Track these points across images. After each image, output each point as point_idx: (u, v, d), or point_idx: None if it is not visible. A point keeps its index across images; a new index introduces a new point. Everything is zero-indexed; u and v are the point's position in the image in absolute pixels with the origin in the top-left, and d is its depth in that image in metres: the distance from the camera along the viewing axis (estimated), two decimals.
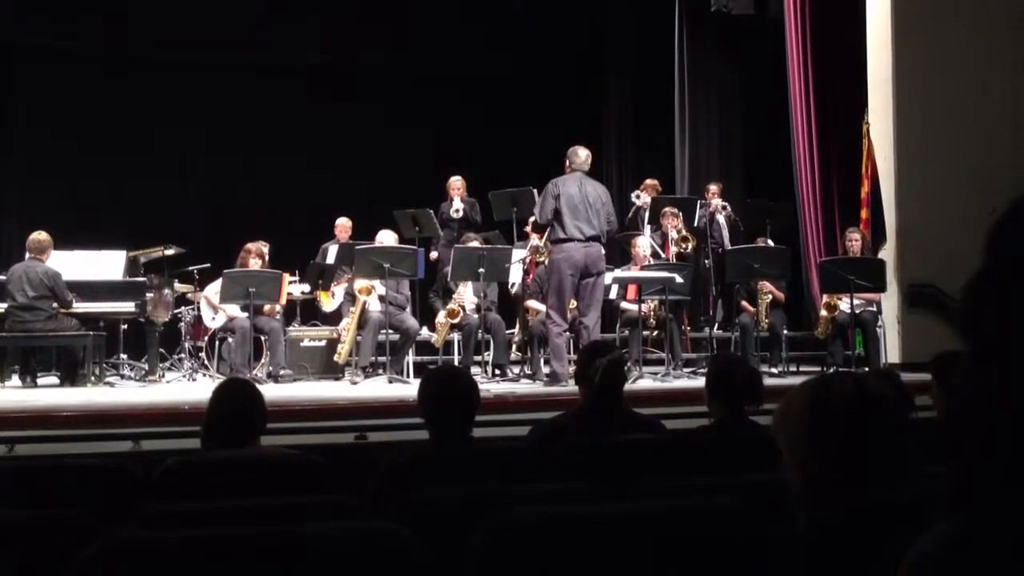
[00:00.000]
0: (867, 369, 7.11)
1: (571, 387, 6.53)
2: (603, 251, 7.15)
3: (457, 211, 9.01)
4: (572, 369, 5.79)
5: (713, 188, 9.62)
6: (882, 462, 1.60)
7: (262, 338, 7.97)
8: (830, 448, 1.60)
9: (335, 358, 8.00)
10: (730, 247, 8.91)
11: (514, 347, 8.35)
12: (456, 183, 9.02)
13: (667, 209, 8.93)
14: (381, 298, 7.66)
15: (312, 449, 3.72)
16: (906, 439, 1.64)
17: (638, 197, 9.51)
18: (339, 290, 8.61)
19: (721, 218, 9.43)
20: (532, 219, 8.28)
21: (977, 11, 8.06)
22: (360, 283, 7.64)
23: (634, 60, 11.85)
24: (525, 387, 7.06)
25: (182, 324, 8.41)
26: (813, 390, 1.67)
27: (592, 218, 6.91)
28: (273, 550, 1.58)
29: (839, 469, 1.60)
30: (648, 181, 9.81)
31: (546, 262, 8.04)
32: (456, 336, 8.18)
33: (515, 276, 8.00)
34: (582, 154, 7.13)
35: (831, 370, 7.68)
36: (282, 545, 1.58)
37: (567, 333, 7.26)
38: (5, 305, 7.22)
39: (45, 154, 10.43)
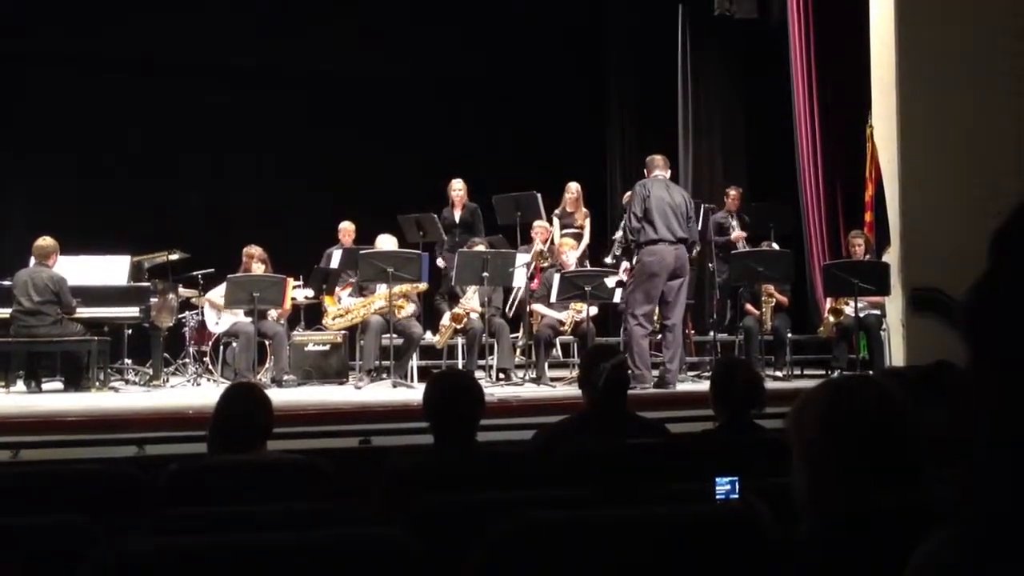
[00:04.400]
0: (873, 370, 7.10)
1: (571, 391, 6.54)
2: (688, 256, 7.23)
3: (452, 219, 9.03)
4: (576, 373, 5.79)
5: (733, 193, 9.61)
6: (896, 468, 1.60)
7: (266, 343, 7.98)
8: (843, 451, 1.60)
9: (327, 321, 8.05)
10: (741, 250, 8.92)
11: (518, 351, 8.35)
12: (456, 186, 9.01)
13: None
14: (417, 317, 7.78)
15: (316, 453, 3.73)
16: (920, 446, 1.64)
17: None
18: (344, 294, 8.61)
19: (736, 223, 9.42)
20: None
21: (981, 15, 8.04)
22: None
23: (637, 64, 11.84)
24: (529, 391, 7.05)
25: (186, 329, 8.42)
26: (830, 393, 1.66)
27: (681, 220, 7.01)
28: (277, 557, 1.58)
29: (853, 473, 1.59)
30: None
31: (559, 263, 8.07)
32: (460, 340, 8.18)
33: (519, 280, 8.00)
34: (659, 160, 7.30)
35: (836, 373, 7.67)
36: (286, 551, 1.58)
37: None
38: (10, 310, 7.23)
39: (50, 159, 10.45)
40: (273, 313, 8.04)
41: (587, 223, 9.03)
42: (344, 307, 8.07)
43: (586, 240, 8.92)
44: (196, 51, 10.70)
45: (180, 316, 8.33)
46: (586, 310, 7.59)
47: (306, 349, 8.24)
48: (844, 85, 8.75)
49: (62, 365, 7.87)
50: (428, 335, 8.30)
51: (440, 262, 8.86)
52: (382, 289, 7.67)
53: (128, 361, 8.21)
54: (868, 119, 8.35)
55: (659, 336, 7.37)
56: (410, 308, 7.74)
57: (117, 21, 10.33)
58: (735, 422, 3.25)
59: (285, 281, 7.89)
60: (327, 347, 8.20)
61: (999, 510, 0.85)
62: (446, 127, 11.24)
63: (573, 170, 9.74)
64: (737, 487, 2.05)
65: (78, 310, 7.38)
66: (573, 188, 9.03)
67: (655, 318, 7.24)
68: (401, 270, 7.34)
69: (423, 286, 7.79)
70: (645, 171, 7.32)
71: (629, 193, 7.55)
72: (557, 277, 7.73)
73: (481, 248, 7.93)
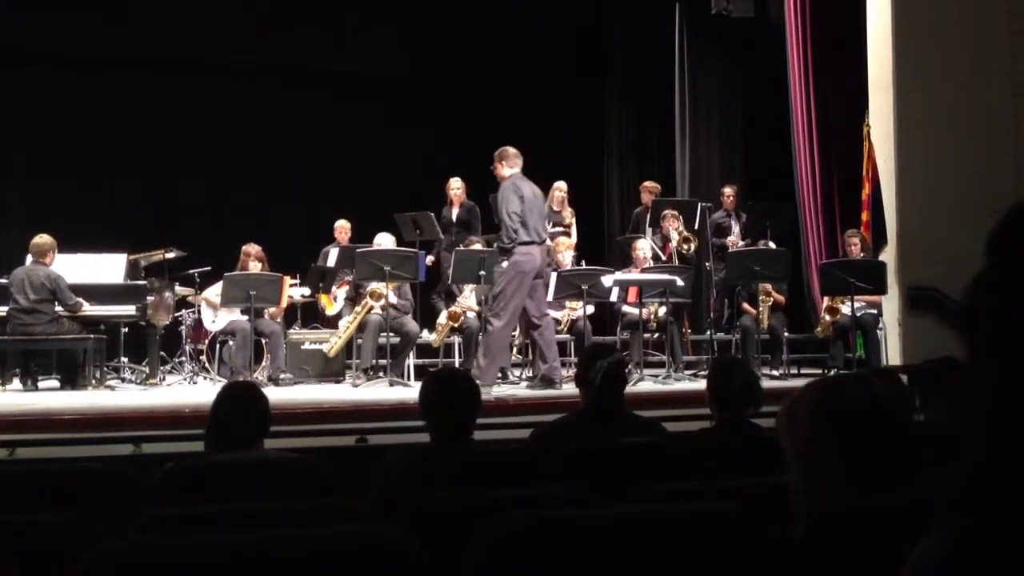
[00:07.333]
0: (866, 369, 7.11)
1: (568, 389, 6.54)
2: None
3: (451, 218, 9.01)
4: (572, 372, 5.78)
5: (728, 191, 9.60)
6: (887, 465, 1.60)
7: (263, 341, 7.97)
8: (835, 451, 1.60)
9: (325, 348, 8.00)
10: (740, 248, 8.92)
11: (515, 350, 8.35)
12: (454, 185, 9.00)
13: (667, 211, 8.94)
14: (394, 307, 7.67)
15: (313, 452, 3.73)
16: (911, 442, 1.64)
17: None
18: (340, 293, 8.61)
19: (736, 224, 9.42)
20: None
21: (978, 14, 8.05)
22: (372, 287, 7.61)
23: (634, 62, 11.85)
24: (526, 390, 7.04)
25: (183, 327, 8.41)
26: (820, 392, 1.66)
27: (543, 220, 6.98)
28: (273, 555, 1.58)
29: (844, 472, 1.59)
30: (646, 184, 9.80)
31: (555, 262, 8.07)
32: (457, 339, 8.18)
33: None
34: (515, 153, 6.94)
35: (832, 372, 7.68)
36: (282, 550, 1.58)
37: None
38: (6, 308, 7.22)
39: (46, 157, 10.43)
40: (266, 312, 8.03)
41: (573, 221, 9.04)
42: (340, 332, 8.00)
43: (574, 238, 8.93)
44: (194, 48, 10.67)
45: (177, 314, 8.32)
46: (582, 308, 7.60)
47: (303, 347, 8.23)
48: (841, 84, 8.75)
49: (58, 363, 7.85)
50: (425, 334, 8.30)
51: (429, 259, 8.83)
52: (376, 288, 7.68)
53: (125, 359, 8.20)
54: (865, 118, 8.36)
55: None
56: (393, 299, 7.69)
57: (116, 20, 10.30)
58: (732, 421, 3.25)
59: (282, 279, 7.88)
60: (324, 345, 8.19)
61: (997, 509, 0.85)
62: (443, 124, 11.24)
63: (571, 169, 9.74)
64: None
65: (81, 308, 7.36)
66: (561, 187, 9.05)
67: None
68: (397, 268, 7.34)
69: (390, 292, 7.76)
70: (503, 163, 6.89)
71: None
72: (553, 276, 7.73)
73: (478, 247, 7.92)
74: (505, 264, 6.77)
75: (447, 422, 2.92)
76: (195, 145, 10.87)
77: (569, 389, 6.63)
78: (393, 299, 7.67)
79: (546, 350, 6.96)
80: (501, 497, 2.14)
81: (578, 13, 11.82)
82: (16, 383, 7.56)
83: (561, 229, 8.87)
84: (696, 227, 9.23)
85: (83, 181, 10.52)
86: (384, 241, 8.02)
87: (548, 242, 8.41)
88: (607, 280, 7.53)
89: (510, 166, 6.90)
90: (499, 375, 7.66)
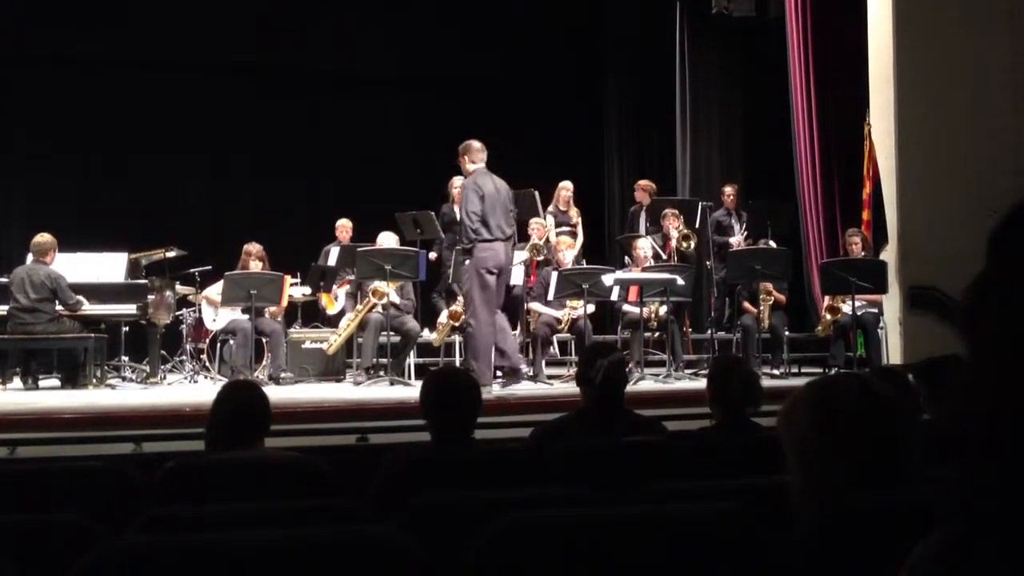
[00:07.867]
0: (868, 368, 7.10)
1: (568, 388, 6.53)
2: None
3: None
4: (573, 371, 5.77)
5: (728, 190, 9.61)
6: (887, 464, 1.60)
7: (263, 340, 7.97)
8: (834, 450, 1.60)
9: (324, 347, 8.00)
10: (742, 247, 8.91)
11: None
12: (457, 183, 8.99)
13: (668, 211, 8.94)
14: (396, 306, 7.66)
15: (313, 451, 3.73)
16: (911, 441, 1.64)
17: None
18: (341, 292, 8.61)
19: (737, 223, 9.42)
20: (535, 223, 8.28)
21: (978, 11, 8.05)
22: (375, 285, 7.59)
23: (635, 60, 11.85)
24: (527, 389, 7.05)
25: (183, 326, 8.41)
26: (818, 391, 1.66)
27: (508, 215, 6.87)
28: (274, 555, 1.58)
29: (843, 471, 1.59)
30: (642, 182, 9.79)
31: (556, 261, 8.05)
32: (457, 338, 8.18)
33: (517, 278, 8.00)
34: (479, 147, 6.87)
35: (833, 371, 7.68)
36: (282, 550, 1.58)
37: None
38: (7, 307, 7.22)
39: (47, 157, 10.44)
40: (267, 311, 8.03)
41: (580, 221, 9.05)
42: (340, 331, 8.00)
43: (580, 238, 8.93)
44: (195, 49, 10.68)
45: (177, 313, 8.32)
46: (583, 307, 7.60)
47: (303, 346, 8.24)
48: (842, 83, 8.74)
49: (59, 362, 7.86)
50: (425, 333, 8.30)
51: (432, 255, 8.83)
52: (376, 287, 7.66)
53: (125, 358, 8.20)
54: (866, 116, 8.36)
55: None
56: (395, 299, 7.68)
57: (116, 20, 10.31)
58: (732, 420, 3.25)
59: (282, 278, 7.89)
60: (324, 344, 8.19)
61: (998, 508, 0.85)
62: (443, 124, 11.21)
63: (572, 169, 9.73)
64: None
65: (83, 307, 7.36)
66: (567, 187, 9.06)
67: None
68: (398, 267, 7.33)
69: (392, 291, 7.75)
70: (466, 157, 6.85)
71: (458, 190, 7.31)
72: (554, 275, 7.73)
73: None
74: (467, 263, 6.75)
75: (447, 421, 2.92)
76: (195, 144, 10.87)
77: (569, 388, 6.63)
78: (396, 299, 7.67)
79: (500, 344, 6.91)
80: (501, 497, 2.14)
81: (578, 13, 11.82)
82: (17, 382, 7.56)
83: (568, 229, 8.87)
84: (697, 226, 9.23)
85: (83, 181, 10.52)
86: (387, 240, 8.02)
87: (556, 237, 8.44)
88: (608, 279, 7.53)
89: (472, 160, 6.85)
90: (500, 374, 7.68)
